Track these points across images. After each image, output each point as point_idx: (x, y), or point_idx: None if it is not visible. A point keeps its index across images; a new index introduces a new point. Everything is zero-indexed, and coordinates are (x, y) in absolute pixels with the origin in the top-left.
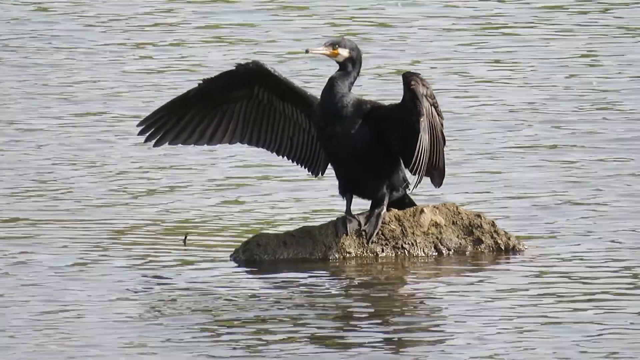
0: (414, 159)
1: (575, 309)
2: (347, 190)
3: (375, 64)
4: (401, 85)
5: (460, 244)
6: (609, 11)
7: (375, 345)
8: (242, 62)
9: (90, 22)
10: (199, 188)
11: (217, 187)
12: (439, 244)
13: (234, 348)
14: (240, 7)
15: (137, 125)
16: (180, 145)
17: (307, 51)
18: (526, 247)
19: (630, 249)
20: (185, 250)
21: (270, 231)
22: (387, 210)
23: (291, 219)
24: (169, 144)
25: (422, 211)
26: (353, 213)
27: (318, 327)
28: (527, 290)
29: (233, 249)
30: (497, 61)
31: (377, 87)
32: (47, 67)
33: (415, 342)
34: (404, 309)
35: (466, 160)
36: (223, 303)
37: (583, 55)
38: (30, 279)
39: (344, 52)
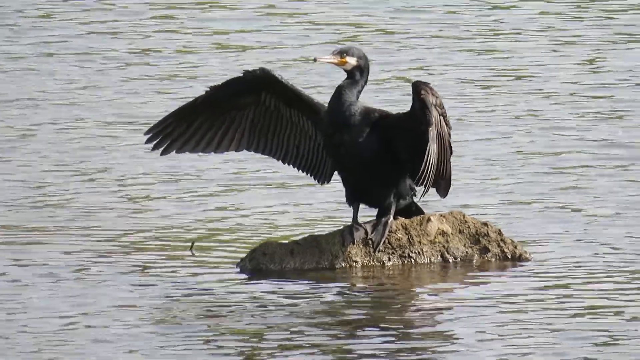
0: (422, 168)
1: (582, 318)
2: (354, 198)
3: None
4: (400, 92)
5: (467, 252)
6: (609, 18)
7: (382, 354)
8: (249, 69)
9: (90, 29)
10: (203, 195)
11: (221, 194)
12: (446, 252)
13: (239, 357)
14: (240, 15)
15: (145, 134)
16: (187, 153)
17: (315, 60)
18: (532, 255)
19: (636, 256)
20: (191, 258)
21: (276, 239)
22: (394, 218)
23: (296, 225)
24: (176, 152)
25: (428, 220)
26: (360, 222)
27: (324, 337)
28: (533, 298)
29: (239, 258)
30: (497, 68)
31: (376, 94)
32: (46, 74)
33: (422, 350)
34: (410, 318)
35: (468, 167)
36: (229, 312)
37: (583, 62)
38: (28, 287)
39: (351, 61)
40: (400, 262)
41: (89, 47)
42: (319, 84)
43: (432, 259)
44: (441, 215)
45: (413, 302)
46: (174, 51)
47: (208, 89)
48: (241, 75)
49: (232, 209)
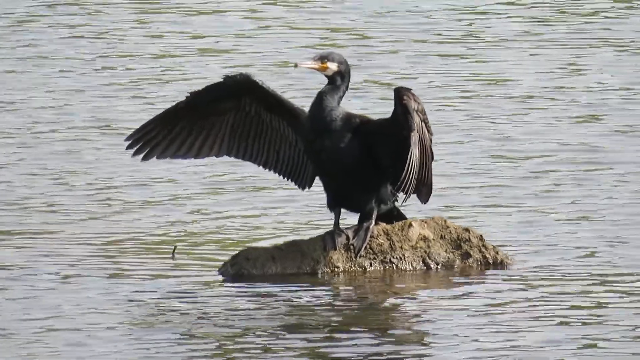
0: (403, 173)
1: (564, 323)
2: (335, 204)
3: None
4: (373, 96)
5: (448, 258)
6: (593, 23)
7: (363, 358)
8: (230, 74)
9: (73, 33)
10: (184, 200)
11: (203, 199)
12: (427, 258)
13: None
14: (219, 20)
15: (125, 140)
16: (168, 158)
17: (296, 65)
18: (514, 261)
19: (618, 261)
20: (172, 263)
21: (257, 244)
22: (376, 224)
23: (277, 230)
24: (157, 157)
25: (410, 225)
26: (341, 227)
27: (305, 341)
28: (514, 303)
29: (221, 263)
30: (482, 74)
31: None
32: (23, 78)
33: (402, 355)
34: (391, 323)
35: (453, 172)
36: (210, 317)
37: (570, 68)
38: (5, 290)
39: (332, 66)
40: (382, 268)
41: (67, 52)
42: (299, 89)
43: (414, 265)
44: (422, 221)
45: (394, 307)
46: (153, 55)
47: (188, 95)
48: (222, 80)
49: (214, 213)
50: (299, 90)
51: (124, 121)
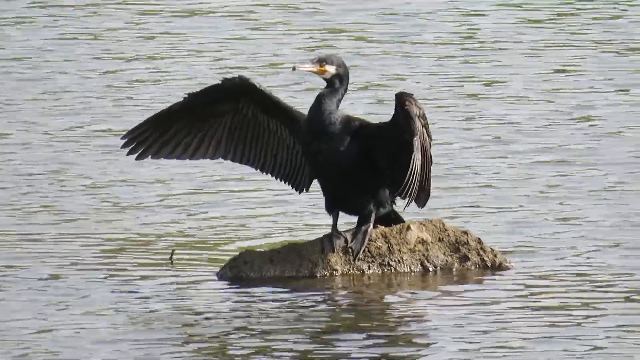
0: (406, 178)
1: (562, 326)
2: (333, 206)
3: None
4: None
5: (446, 261)
6: (588, 26)
7: None
8: (228, 76)
9: (67, 35)
10: (182, 202)
11: (201, 201)
12: (426, 261)
13: None
14: (215, 21)
15: (121, 139)
16: (162, 159)
17: (294, 68)
18: (512, 264)
19: (616, 264)
20: (171, 266)
21: (256, 247)
22: (374, 227)
23: (276, 233)
24: (152, 157)
25: (408, 228)
26: (340, 230)
27: (304, 344)
28: (513, 307)
29: (220, 266)
30: (476, 76)
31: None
32: (26, 80)
33: (401, 358)
34: (390, 326)
35: (448, 174)
36: (208, 319)
37: (563, 70)
38: (3, 291)
39: (331, 69)
40: (380, 271)
41: (61, 53)
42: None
43: (412, 268)
44: (421, 224)
45: (392, 310)
46: (148, 57)
47: (186, 96)
48: (219, 82)
49: (212, 216)
50: (297, 92)
51: (120, 122)
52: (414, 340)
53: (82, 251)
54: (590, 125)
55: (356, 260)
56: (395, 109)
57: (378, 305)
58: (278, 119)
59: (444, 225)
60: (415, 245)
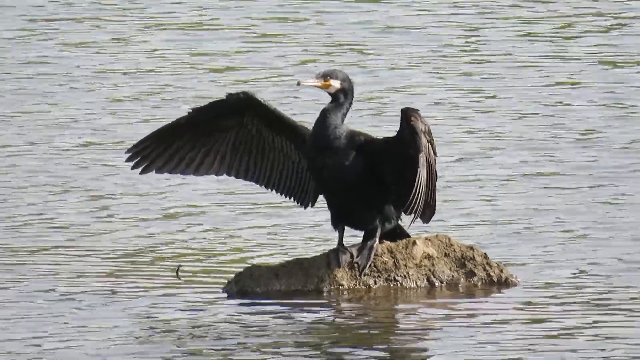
0: (412, 195)
1: (568, 341)
2: (339, 221)
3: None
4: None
5: (452, 276)
6: (586, 39)
7: None
8: (233, 92)
9: (72, 48)
10: (188, 216)
11: (207, 215)
12: (432, 276)
13: None
14: (218, 36)
15: (125, 152)
16: (166, 173)
17: (298, 83)
18: (519, 279)
19: (623, 280)
20: (177, 281)
21: (261, 261)
22: (380, 242)
23: (281, 247)
24: (156, 172)
25: (414, 243)
26: (345, 245)
27: (309, 358)
28: (519, 322)
29: (225, 281)
30: (481, 89)
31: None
32: (27, 93)
33: None
34: (396, 341)
35: (448, 186)
36: (213, 334)
37: (568, 84)
38: (6, 307)
39: (335, 84)
40: (386, 286)
41: (67, 66)
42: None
43: (418, 283)
44: (427, 239)
45: (398, 325)
46: (153, 71)
47: (190, 111)
48: (224, 98)
49: (218, 231)
50: (300, 107)
51: (125, 136)
52: (420, 355)
53: (84, 265)
54: (599, 140)
55: (362, 275)
56: (401, 125)
57: (384, 320)
58: (283, 134)
59: (449, 240)
60: (421, 261)
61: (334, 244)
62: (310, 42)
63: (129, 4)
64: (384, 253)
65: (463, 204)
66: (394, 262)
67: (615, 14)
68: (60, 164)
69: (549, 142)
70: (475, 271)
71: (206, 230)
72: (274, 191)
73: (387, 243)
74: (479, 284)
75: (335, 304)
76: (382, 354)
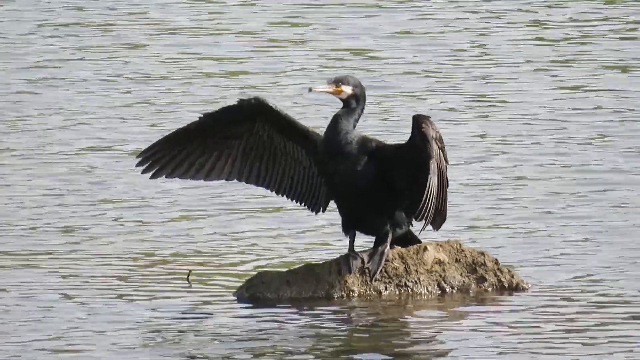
0: (422, 200)
1: (579, 347)
2: (350, 227)
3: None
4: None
5: (463, 282)
6: (594, 44)
7: None
8: (244, 97)
9: (82, 55)
10: (199, 221)
11: (218, 220)
12: (443, 281)
13: None
14: (228, 42)
15: (136, 157)
16: (177, 178)
17: (310, 90)
18: (530, 285)
19: (631, 282)
20: (188, 286)
21: (272, 267)
22: (391, 247)
23: (292, 253)
24: (166, 176)
25: (425, 249)
26: (356, 251)
27: None
28: (530, 328)
29: (236, 286)
30: (492, 94)
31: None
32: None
33: None
34: (407, 347)
35: (456, 191)
36: (224, 340)
37: (580, 89)
38: (19, 310)
39: (347, 89)
40: (397, 291)
41: (77, 73)
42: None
43: (429, 288)
44: (438, 245)
45: (409, 331)
46: (162, 77)
47: (201, 116)
48: (236, 103)
49: (229, 236)
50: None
51: (134, 141)
52: None
53: (93, 269)
54: (608, 144)
55: (373, 281)
56: (412, 131)
57: (395, 325)
58: (294, 139)
59: (460, 246)
60: (432, 266)
61: (343, 249)
62: (319, 47)
63: (138, 9)
64: (395, 259)
65: (470, 208)
66: (405, 267)
67: (625, 18)
68: (68, 168)
69: (557, 147)
70: (486, 277)
71: (216, 235)
72: (284, 197)
73: (398, 249)
74: (490, 289)
75: (346, 310)
76: (393, 357)
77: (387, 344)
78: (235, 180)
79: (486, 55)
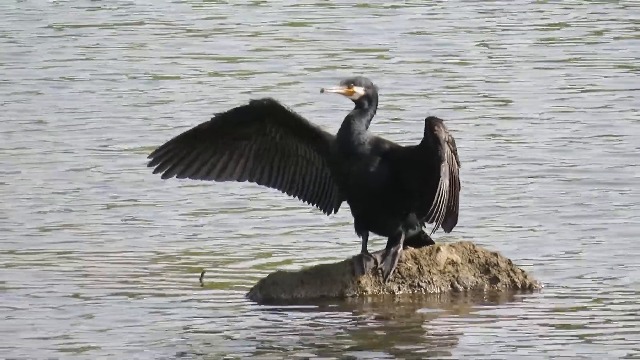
0: (433, 204)
1: (592, 347)
2: (362, 227)
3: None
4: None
5: (476, 282)
6: (605, 44)
7: None
8: (256, 98)
9: (87, 55)
10: (212, 221)
11: (231, 220)
12: (456, 282)
13: None
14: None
15: (147, 157)
16: (188, 178)
17: (322, 90)
18: (543, 285)
19: None
20: (201, 287)
21: (286, 267)
22: (404, 248)
23: (306, 253)
24: (177, 176)
25: (438, 249)
26: (369, 251)
27: None
28: (543, 328)
29: (250, 287)
30: (498, 94)
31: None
32: (50, 97)
33: None
34: (420, 347)
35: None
36: (237, 340)
37: (583, 88)
38: (30, 311)
39: (359, 90)
40: (410, 292)
41: (83, 73)
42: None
43: (442, 289)
44: (451, 245)
45: (422, 331)
46: (173, 77)
47: (213, 116)
48: (247, 104)
49: (242, 236)
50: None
51: (144, 141)
52: None
53: (107, 270)
54: (613, 143)
55: (386, 281)
56: (425, 133)
57: (408, 326)
58: (306, 140)
59: (473, 247)
60: (445, 267)
61: (356, 249)
62: (329, 47)
63: (145, 10)
64: (408, 259)
65: (482, 210)
66: (418, 268)
67: (635, 19)
68: (80, 168)
69: (568, 146)
70: (499, 277)
71: (229, 235)
72: (296, 197)
73: (411, 249)
74: (503, 289)
75: (359, 310)
76: (406, 358)
77: (400, 344)
78: (246, 181)
79: (496, 55)
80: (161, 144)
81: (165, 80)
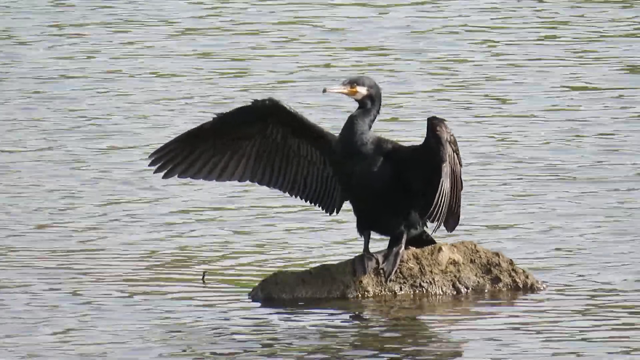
0: (434, 203)
1: (594, 348)
2: (364, 227)
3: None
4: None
5: (478, 282)
6: (604, 43)
7: None
8: (259, 98)
9: (87, 53)
10: (213, 221)
11: (233, 220)
12: (457, 282)
13: None
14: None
15: (148, 157)
16: (190, 178)
17: (324, 90)
18: (544, 285)
19: None
20: (202, 286)
21: (287, 267)
22: (406, 248)
23: (307, 253)
24: (179, 176)
25: (440, 249)
26: (371, 251)
27: None
28: (545, 328)
29: (251, 287)
30: (497, 93)
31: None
32: (48, 97)
33: None
34: (421, 347)
35: (468, 191)
36: (239, 340)
37: (582, 88)
38: (30, 310)
39: (362, 90)
40: (412, 292)
41: (83, 71)
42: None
43: (444, 289)
44: (452, 245)
45: (424, 331)
46: (173, 75)
47: (215, 116)
48: (250, 104)
49: (244, 235)
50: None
51: (145, 140)
52: None
53: (107, 269)
54: (613, 144)
55: (388, 281)
56: (427, 134)
57: (410, 326)
58: (309, 141)
59: (475, 246)
60: (446, 267)
61: (358, 248)
62: (331, 46)
63: (148, 9)
64: (410, 259)
65: (484, 209)
66: (420, 268)
67: (634, 18)
68: (81, 167)
69: (568, 147)
70: (501, 277)
71: (231, 235)
72: (298, 197)
73: (412, 249)
74: (504, 289)
75: (360, 311)
76: (408, 358)
77: (402, 344)
78: (248, 181)
79: (499, 53)
80: (162, 144)
81: (165, 80)
